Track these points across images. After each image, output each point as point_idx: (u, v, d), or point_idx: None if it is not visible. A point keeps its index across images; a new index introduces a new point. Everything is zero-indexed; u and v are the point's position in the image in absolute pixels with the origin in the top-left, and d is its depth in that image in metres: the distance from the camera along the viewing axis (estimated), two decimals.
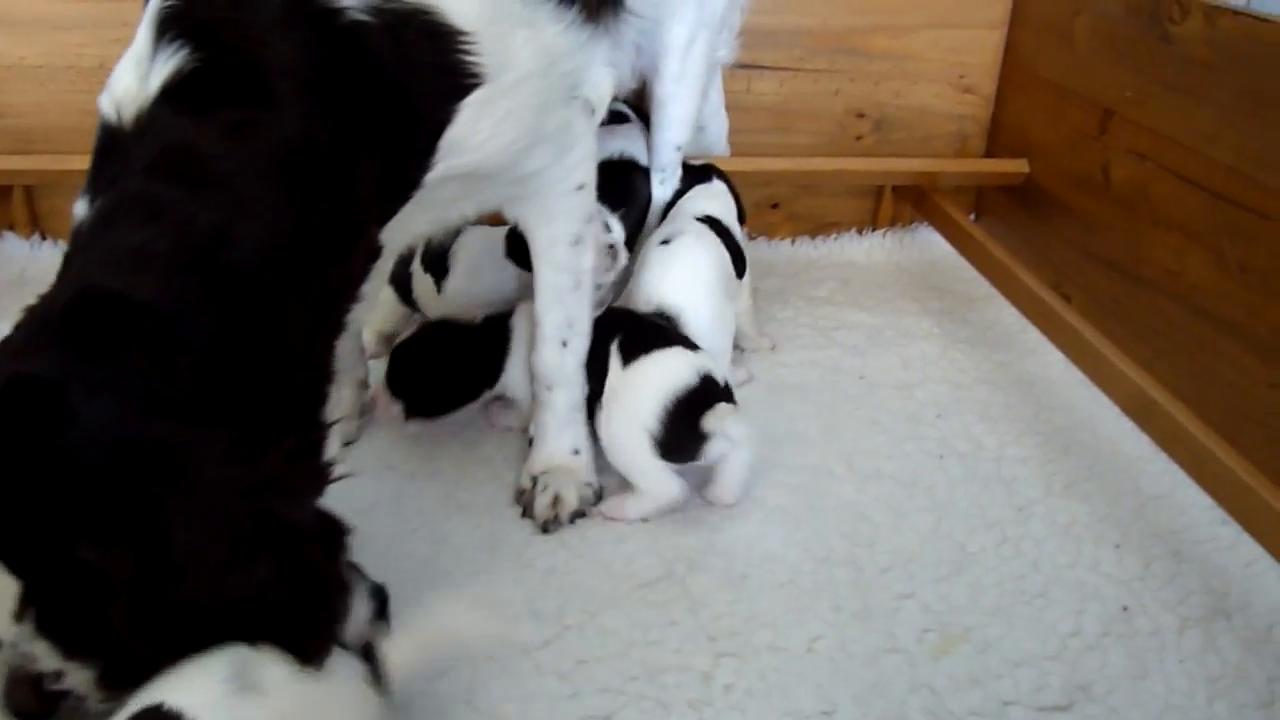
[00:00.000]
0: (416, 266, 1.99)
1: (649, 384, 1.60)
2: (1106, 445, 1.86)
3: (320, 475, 1.12)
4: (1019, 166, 2.44)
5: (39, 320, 1.02)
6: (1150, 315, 1.98)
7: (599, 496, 1.66)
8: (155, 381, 0.98)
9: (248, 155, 1.08)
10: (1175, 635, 1.43)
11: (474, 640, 1.33)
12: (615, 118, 2.10)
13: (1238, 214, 1.75)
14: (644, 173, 2.09)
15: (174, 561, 0.97)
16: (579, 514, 1.61)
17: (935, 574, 1.53)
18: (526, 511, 1.61)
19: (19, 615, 1.08)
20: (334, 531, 1.11)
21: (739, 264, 1.99)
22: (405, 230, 1.36)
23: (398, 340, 1.75)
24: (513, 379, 1.76)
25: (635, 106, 2.14)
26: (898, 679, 1.34)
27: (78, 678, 1.08)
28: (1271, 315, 1.68)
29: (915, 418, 1.92)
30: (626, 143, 2.08)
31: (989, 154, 2.62)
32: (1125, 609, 1.48)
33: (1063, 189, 2.31)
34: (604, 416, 1.64)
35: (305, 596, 1.05)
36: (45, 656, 1.07)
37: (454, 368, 1.73)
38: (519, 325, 1.76)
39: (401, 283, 2.01)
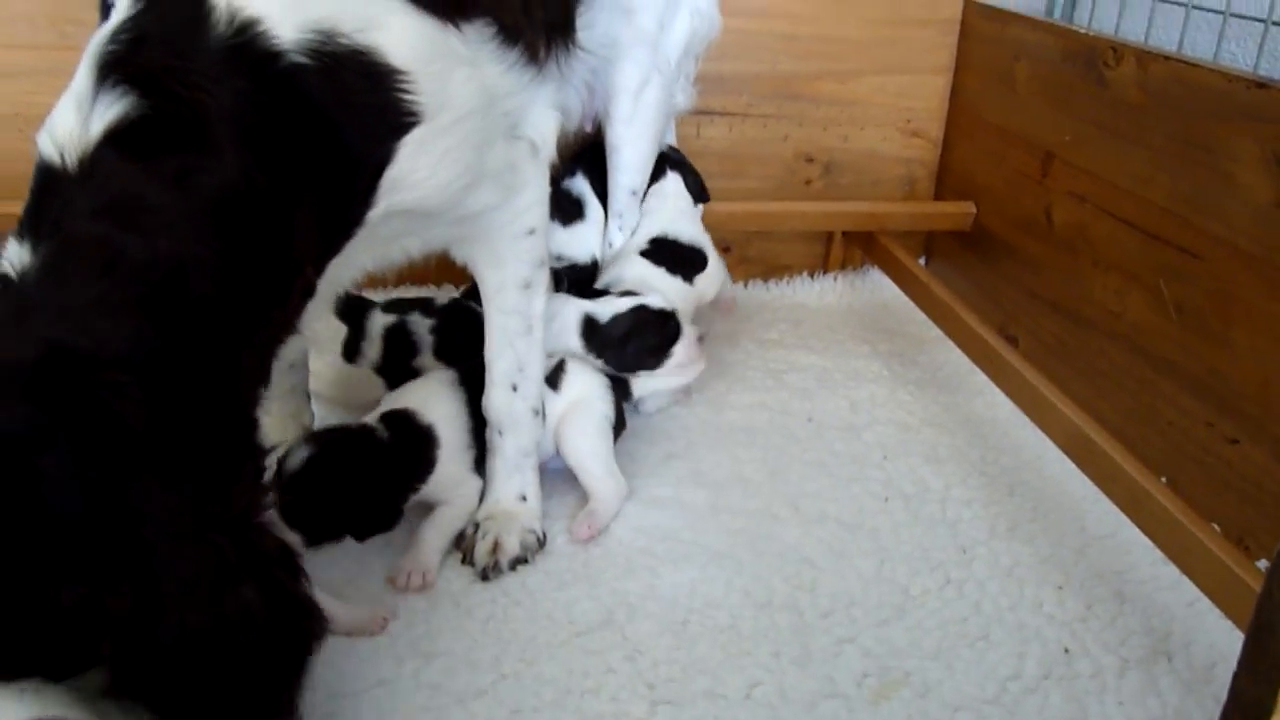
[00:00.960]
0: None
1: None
2: (1051, 486, 1.86)
3: (268, 508, 1.16)
4: (966, 209, 2.47)
5: (3, 377, 1.01)
6: (1093, 356, 2.00)
7: (542, 543, 1.64)
8: (126, 430, 1.00)
9: (192, 202, 1.09)
10: (1116, 677, 1.43)
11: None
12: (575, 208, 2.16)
13: (1172, 254, 1.78)
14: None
15: (169, 594, 0.99)
16: (520, 560, 1.59)
17: (876, 617, 1.52)
18: (466, 558, 1.60)
19: None
20: (293, 557, 1.14)
21: (696, 264, 2.11)
22: (349, 266, 1.37)
23: (288, 459, 1.47)
24: (444, 476, 1.63)
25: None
26: None
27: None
28: (1207, 355, 1.70)
29: (861, 460, 1.92)
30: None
31: (937, 197, 2.65)
32: (1066, 651, 1.47)
33: (1008, 231, 2.33)
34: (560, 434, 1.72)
35: (288, 617, 1.08)
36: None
37: (366, 484, 1.51)
38: (439, 410, 1.65)
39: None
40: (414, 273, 2.46)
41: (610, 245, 2.15)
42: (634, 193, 2.12)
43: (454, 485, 1.64)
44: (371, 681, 1.35)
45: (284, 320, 1.20)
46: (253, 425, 1.18)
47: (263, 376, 1.21)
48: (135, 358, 1.02)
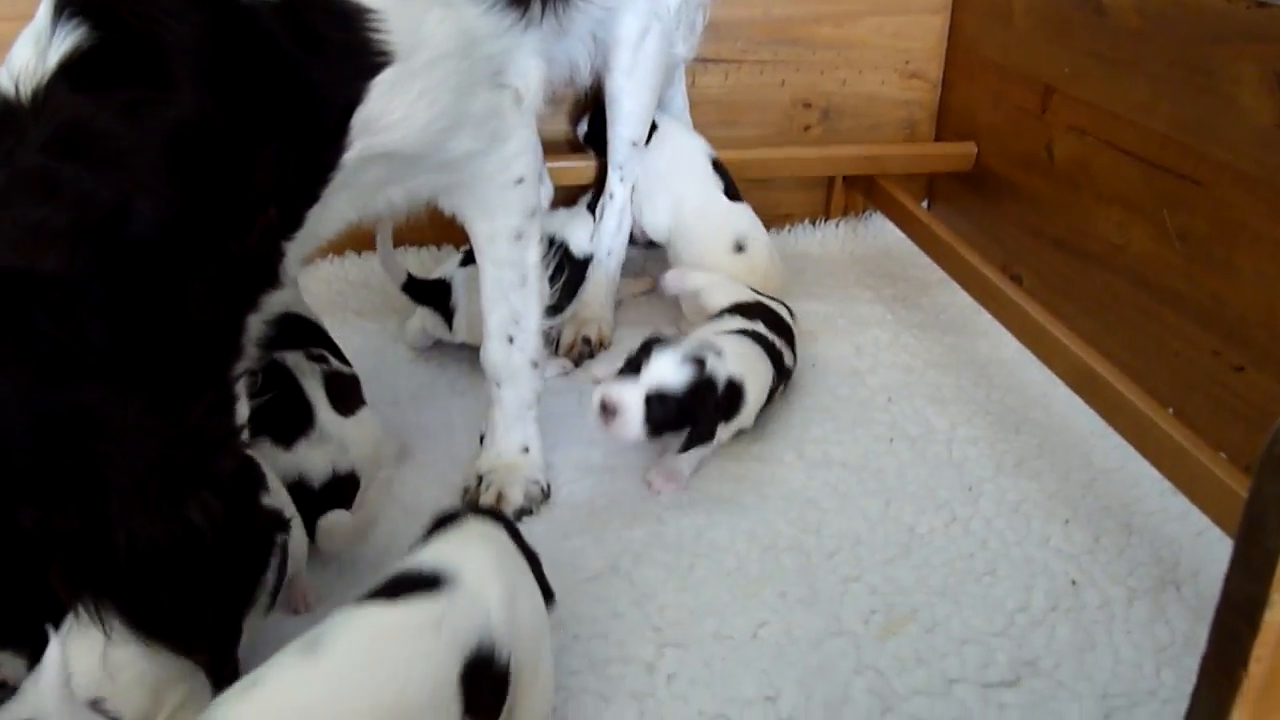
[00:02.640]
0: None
1: None
2: (1058, 423, 1.85)
3: (234, 432, 1.16)
4: (967, 149, 2.44)
5: None
6: (1097, 290, 1.98)
7: (546, 495, 1.64)
8: (68, 347, 1.00)
9: (144, 133, 1.09)
10: (1124, 607, 1.42)
11: None
12: None
13: (1174, 183, 1.75)
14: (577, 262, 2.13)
15: (114, 507, 0.98)
16: (525, 511, 1.59)
17: (883, 556, 1.52)
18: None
19: None
20: (253, 476, 1.15)
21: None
22: (332, 216, 1.35)
23: None
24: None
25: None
26: (843, 662, 1.32)
27: (10, 667, 1.09)
28: (1212, 283, 1.68)
29: (866, 403, 1.91)
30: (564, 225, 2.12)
31: (938, 139, 2.62)
32: (1074, 583, 1.47)
33: (1009, 170, 2.31)
34: None
35: (240, 533, 1.07)
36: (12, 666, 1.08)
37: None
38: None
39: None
40: (414, 234, 2.45)
41: (610, 197, 2.14)
42: (634, 144, 2.10)
43: None
44: None
45: (246, 256, 1.18)
46: (214, 352, 1.17)
47: (227, 313, 1.19)
48: (70, 279, 1.02)
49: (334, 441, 1.51)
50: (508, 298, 1.61)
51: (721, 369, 1.64)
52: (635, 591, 1.44)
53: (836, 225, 2.63)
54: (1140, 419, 1.52)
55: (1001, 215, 2.33)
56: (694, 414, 1.61)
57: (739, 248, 2.19)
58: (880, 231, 2.63)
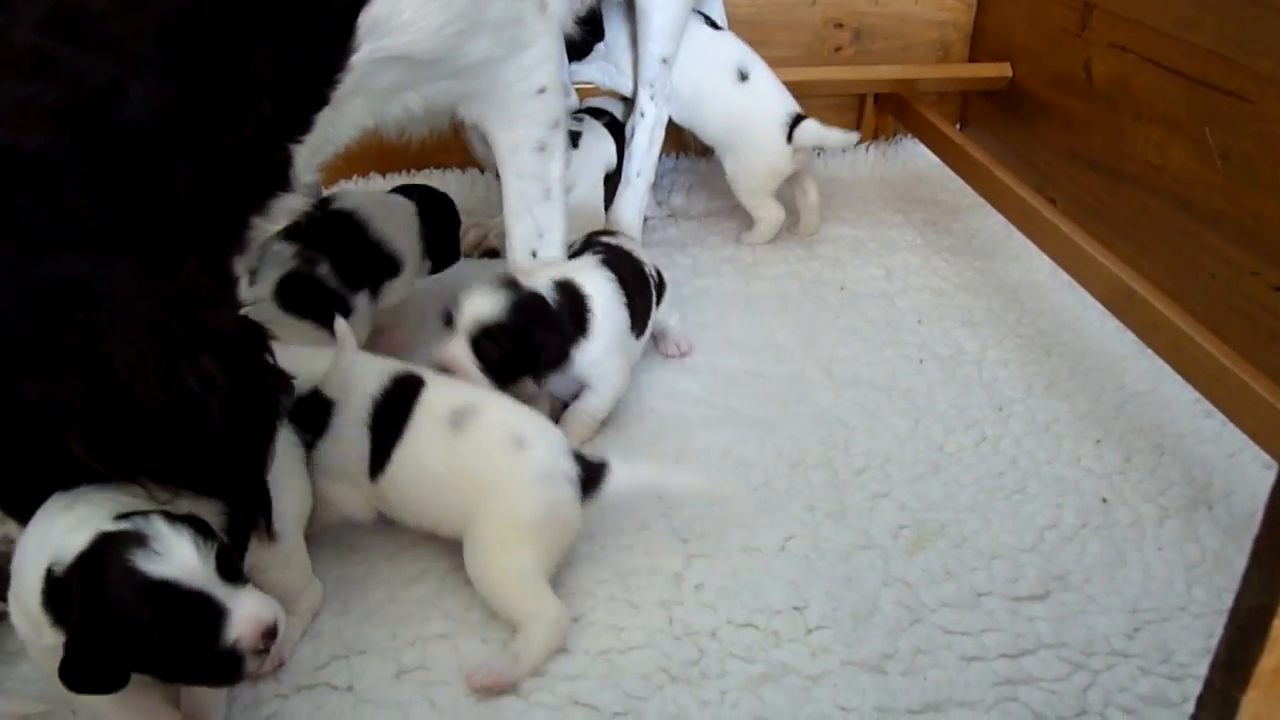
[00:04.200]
0: None
1: None
2: (1091, 345, 1.83)
3: (230, 288, 1.16)
4: (1001, 70, 2.39)
5: None
6: (1133, 212, 1.94)
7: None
8: (52, 220, 0.99)
9: (140, 18, 1.07)
10: (1155, 525, 1.42)
11: None
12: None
13: (1219, 99, 1.70)
14: None
15: (119, 376, 0.97)
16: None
17: (911, 473, 1.51)
18: None
19: None
20: (258, 333, 1.13)
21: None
22: (345, 121, 1.32)
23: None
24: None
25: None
26: (870, 574, 1.32)
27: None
28: (1253, 202, 1.64)
29: (895, 325, 1.90)
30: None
31: (972, 60, 2.56)
32: (1104, 501, 1.46)
33: (1045, 90, 2.25)
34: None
35: (248, 388, 1.06)
36: (19, 533, 1.07)
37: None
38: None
39: None
40: (441, 155, 2.43)
41: (641, 115, 2.10)
42: (664, 60, 2.06)
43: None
44: (404, 544, 1.36)
45: (240, 149, 1.16)
46: (206, 240, 1.14)
47: (221, 205, 1.17)
48: (52, 154, 1.01)
49: None
50: (531, 211, 1.59)
51: (544, 279, 1.52)
52: (662, 505, 1.44)
53: (867, 149, 2.58)
54: (1178, 336, 1.50)
55: (1036, 137, 2.29)
56: (533, 336, 1.47)
57: (742, 76, 2.14)
58: (911, 155, 2.58)
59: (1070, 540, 1.39)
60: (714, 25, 2.18)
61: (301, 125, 1.25)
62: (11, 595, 1.01)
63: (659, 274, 1.73)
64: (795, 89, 2.26)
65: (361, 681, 1.17)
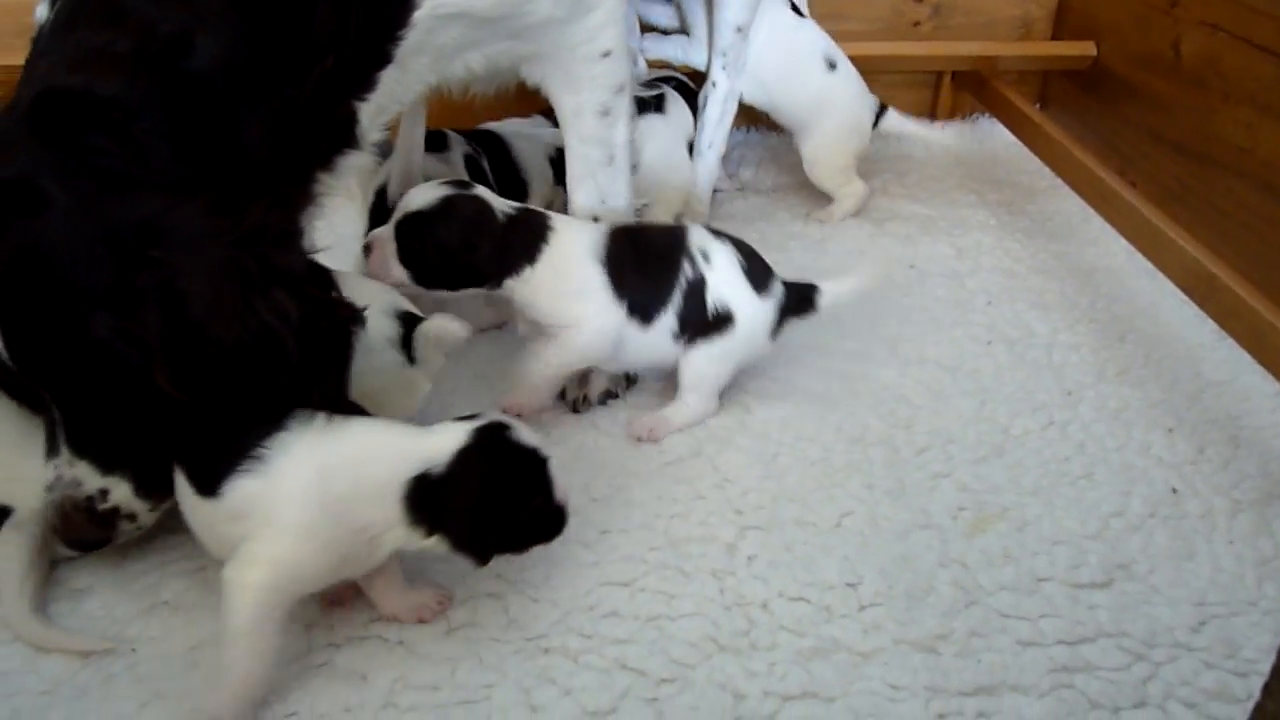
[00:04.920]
0: None
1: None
2: (1166, 332, 1.78)
3: (297, 233, 1.19)
4: (1085, 49, 2.32)
5: (3, 124, 1.06)
6: (1218, 196, 1.87)
7: (632, 380, 1.63)
8: (126, 162, 1.03)
9: None
10: (1226, 518, 1.37)
11: None
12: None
13: None
14: None
15: (194, 311, 1.01)
16: (610, 395, 1.59)
17: (974, 455, 1.48)
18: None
19: (50, 451, 1.11)
20: (325, 273, 1.16)
21: None
22: (409, 79, 1.33)
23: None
24: None
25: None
26: (927, 554, 1.30)
27: (120, 493, 1.14)
28: None
29: (964, 305, 1.86)
30: None
31: (1055, 39, 2.49)
32: (1174, 491, 1.42)
33: (1131, 70, 2.19)
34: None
35: (321, 320, 1.10)
36: (88, 477, 1.12)
37: None
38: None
39: None
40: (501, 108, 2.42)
41: (713, 85, 2.08)
42: (739, 29, 2.02)
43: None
44: None
45: (303, 103, 1.18)
46: (274, 189, 1.16)
47: (287, 156, 1.19)
48: (128, 100, 1.04)
49: None
50: (594, 176, 1.58)
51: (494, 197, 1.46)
52: (718, 475, 1.43)
53: (943, 127, 2.53)
54: (1260, 324, 1.45)
55: (1118, 118, 2.22)
56: (468, 244, 1.40)
57: (831, 65, 2.13)
58: (988, 135, 2.53)
59: (1137, 529, 1.35)
60: (797, 11, 2.14)
61: (366, 82, 1.27)
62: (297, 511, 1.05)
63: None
64: (870, 65, 2.24)
65: (412, 636, 1.18)
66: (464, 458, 1.09)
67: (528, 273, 1.44)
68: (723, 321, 1.49)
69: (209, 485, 1.07)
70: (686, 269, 1.49)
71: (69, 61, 1.05)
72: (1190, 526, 1.36)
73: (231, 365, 1.03)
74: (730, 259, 1.51)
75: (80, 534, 1.15)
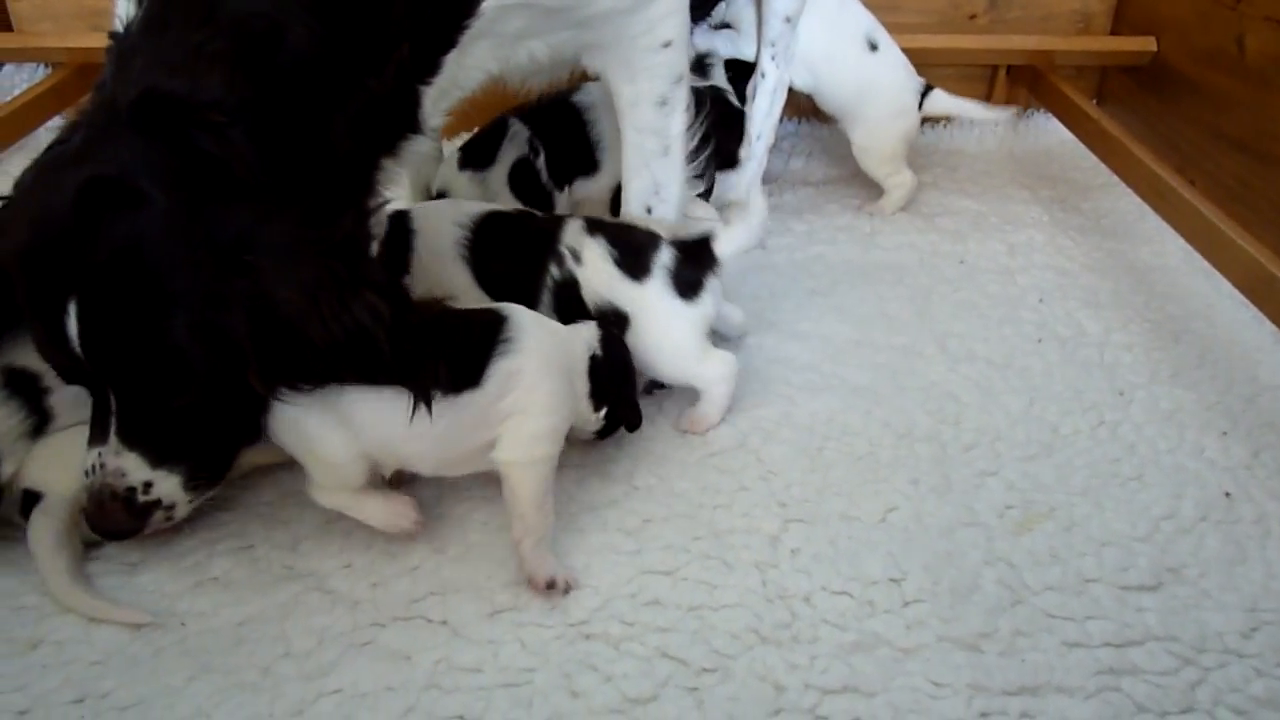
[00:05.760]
0: None
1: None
2: (1222, 334, 1.75)
3: (369, 234, 1.21)
4: (1145, 45, 2.28)
5: (101, 122, 1.07)
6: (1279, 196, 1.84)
7: None
8: (226, 166, 1.04)
9: None
10: None
11: None
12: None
13: None
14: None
15: (289, 315, 1.04)
16: (656, 385, 1.58)
17: (1023, 453, 1.46)
18: None
19: (96, 437, 1.13)
20: (397, 284, 1.20)
21: None
22: (473, 65, 1.34)
23: None
24: None
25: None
26: (973, 552, 1.29)
27: (166, 485, 1.16)
28: None
29: (1015, 302, 1.84)
30: None
31: (1115, 33, 2.45)
32: (1227, 495, 1.39)
33: (1192, 66, 2.14)
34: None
35: (411, 318, 1.13)
36: (135, 469, 1.14)
37: None
38: None
39: None
40: None
41: (763, 76, 2.06)
42: (788, 19, 2.01)
43: None
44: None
45: (382, 94, 1.19)
46: (353, 182, 1.20)
47: (364, 150, 1.21)
48: (228, 103, 1.05)
49: None
50: (649, 165, 1.58)
51: None
52: (762, 468, 1.43)
53: (996, 122, 2.50)
54: None
55: (1179, 115, 2.18)
56: None
57: (872, 46, 2.11)
58: (1042, 131, 2.50)
59: (1188, 532, 1.33)
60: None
61: (431, 67, 1.28)
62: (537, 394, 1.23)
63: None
64: (925, 58, 2.21)
65: (456, 617, 1.19)
66: (609, 345, 1.35)
67: (409, 280, 1.45)
68: (616, 320, 1.45)
69: (472, 376, 1.20)
70: (554, 270, 1.47)
71: (167, 62, 1.06)
72: (1243, 531, 1.33)
73: (326, 364, 1.07)
74: (602, 253, 1.46)
75: (113, 523, 1.16)
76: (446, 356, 1.16)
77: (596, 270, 1.46)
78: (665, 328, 1.46)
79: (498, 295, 1.45)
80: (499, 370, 1.22)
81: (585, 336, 1.35)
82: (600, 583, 1.23)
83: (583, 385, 1.32)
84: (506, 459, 1.23)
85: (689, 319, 1.47)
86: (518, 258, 1.49)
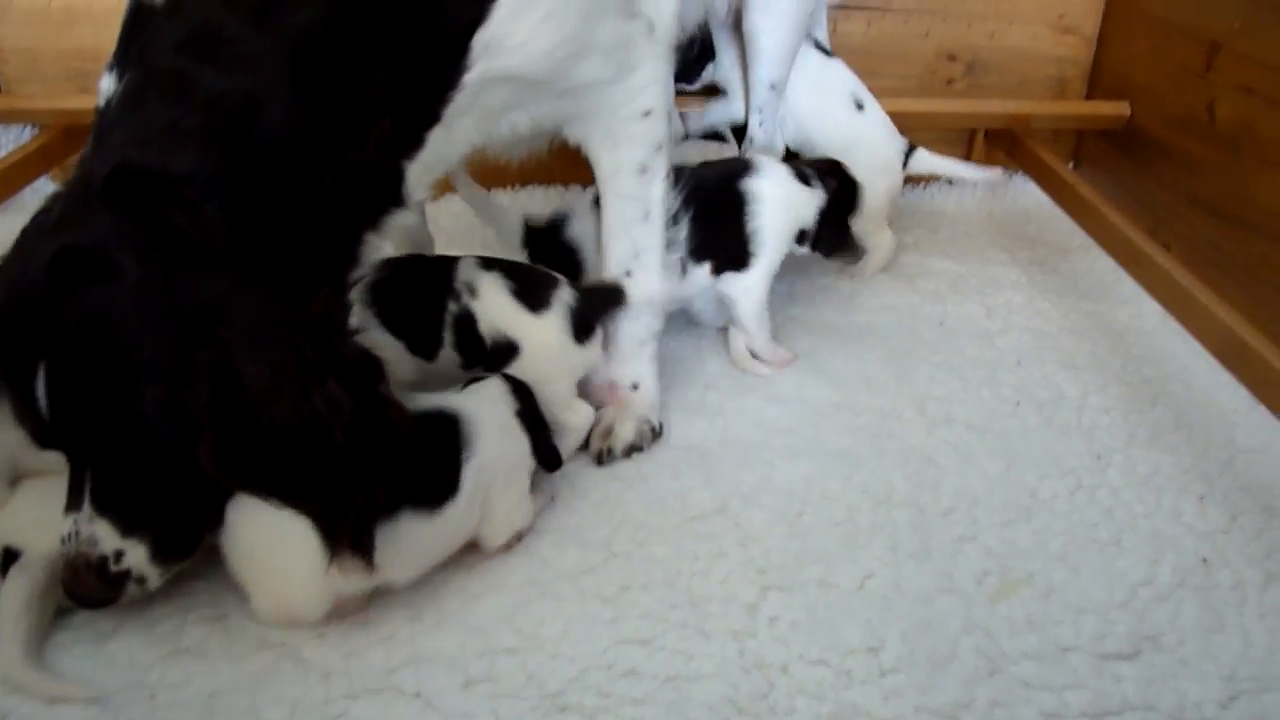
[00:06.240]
0: None
1: None
2: (1199, 397, 1.76)
3: (348, 317, 1.21)
4: (1119, 109, 2.32)
5: (78, 194, 1.08)
6: (1252, 261, 1.86)
7: (658, 433, 1.63)
8: (198, 240, 1.05)
9: (272, 39, 1.11)
10: (1258, 590, 1.35)
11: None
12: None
13: None
14: None
15: (249, 393, 1.02)
16: (635, 448, 1.58)
17: (1001, 518, 1.46)
18: (583, 443, 1.60)
19: (71, 505, 1.12)
20: (377, 365, 1.17)
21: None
22: (455, 139, 1.34)
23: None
24: None
25: None
26: (951, 619, 1.28)
27: (135, 555, 1.15)
28: None
29: (994, 364, 1.85)
30: None
31: (1089, 98, 2.49)
32: (1205, 561, 1.39)
33: (1165, 131, 2.18)
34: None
35: (371, 417, 1.10)
36: (106, 538, 1.13)
37: None
38: None
39: None
40: (540, 173, 2.45)
41: (750, 141, 2.10)
42: (773, 86, 2.05)
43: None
44: (481, 554, 1.37)
45: (362, 165, 1.20)
46: (331, 256, 1.19)
47: (343, 223, 1.21)
48: (199, 178, 1.06)
49: None
50: (629, 231, 1.59)
51: None
52: (741, 533, 1.42)
53: (975, 184, 2.53)
54: None
55: (1152, 179, 2.21)
56: None
57: (858, 105, 2.15)
58: (1020, 193, 2.53)
59: (1165, 599, 1.33)
60: (825, 51, 2.17)
61: (414, 142, 1.28)
62: None
63: None
64: (904, 121, 2.24)
65: (430, 688, 1.18)
66: (520, 394, 1.41)
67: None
68: (506, 350, 1.50)
69: (448, 487, 1.24)
70: (451, 306, 1.51)
71: (141, 138, 1.07)
72: (1220, 598, 1.33)
73: (277, 450, 1.04)
74: (498, 286, 1.51)
75: (87, 592, 1.15)
76: (400, 467, 1.16)
77: (493, 302, 1.51)
78: (553, 363, 1.51)
79: (402, 335, 1.50)
80: (470, 471, 1.27)
81: (502, 393, 1.38)
82: (576, 652, 1.23)
83: (522, 441, 1.37)
84: (498, 543, 1.33)
85: (575, 360, 1.54)
86: (417, 298, 1.53)
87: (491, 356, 1.50)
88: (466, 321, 1.50)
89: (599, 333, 1.56)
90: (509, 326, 1.50)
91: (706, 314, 1.88)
